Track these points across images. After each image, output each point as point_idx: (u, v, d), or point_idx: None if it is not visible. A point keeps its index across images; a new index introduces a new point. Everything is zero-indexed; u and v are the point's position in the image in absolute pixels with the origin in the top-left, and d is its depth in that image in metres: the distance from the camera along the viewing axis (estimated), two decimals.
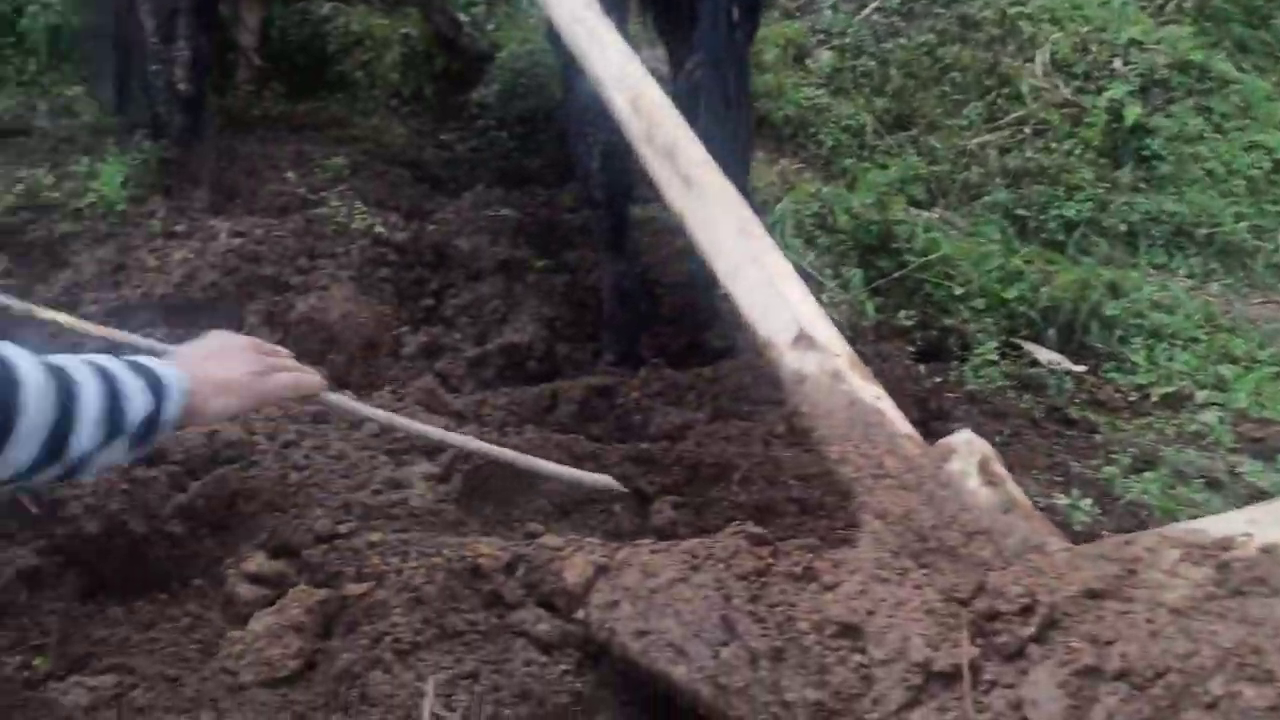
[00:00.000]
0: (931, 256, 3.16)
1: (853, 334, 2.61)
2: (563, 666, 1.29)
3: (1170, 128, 4.26)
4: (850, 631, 1.03)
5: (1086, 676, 0.91)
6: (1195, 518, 1.13)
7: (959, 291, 3.10)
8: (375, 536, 1.46)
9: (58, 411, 0.99)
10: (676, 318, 2.74)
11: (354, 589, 1.35)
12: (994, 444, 2.39)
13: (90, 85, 3.53)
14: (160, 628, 1.36)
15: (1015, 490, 1.15)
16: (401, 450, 1.76)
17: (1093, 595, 0.97)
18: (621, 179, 2.41)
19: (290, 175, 3.10)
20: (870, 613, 1.04)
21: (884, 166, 3.97)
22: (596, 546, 1.44)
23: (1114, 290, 3.25)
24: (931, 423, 2.30)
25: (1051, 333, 3.10)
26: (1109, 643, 0.92)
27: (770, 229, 1.82)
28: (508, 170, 3.65)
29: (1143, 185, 4.11)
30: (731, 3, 2.34)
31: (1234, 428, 2.63)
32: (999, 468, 1.16)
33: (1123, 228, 3.83)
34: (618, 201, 2.44)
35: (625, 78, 1.76)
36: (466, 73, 4.21)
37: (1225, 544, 0.95)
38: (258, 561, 1.43)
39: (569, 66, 2.36)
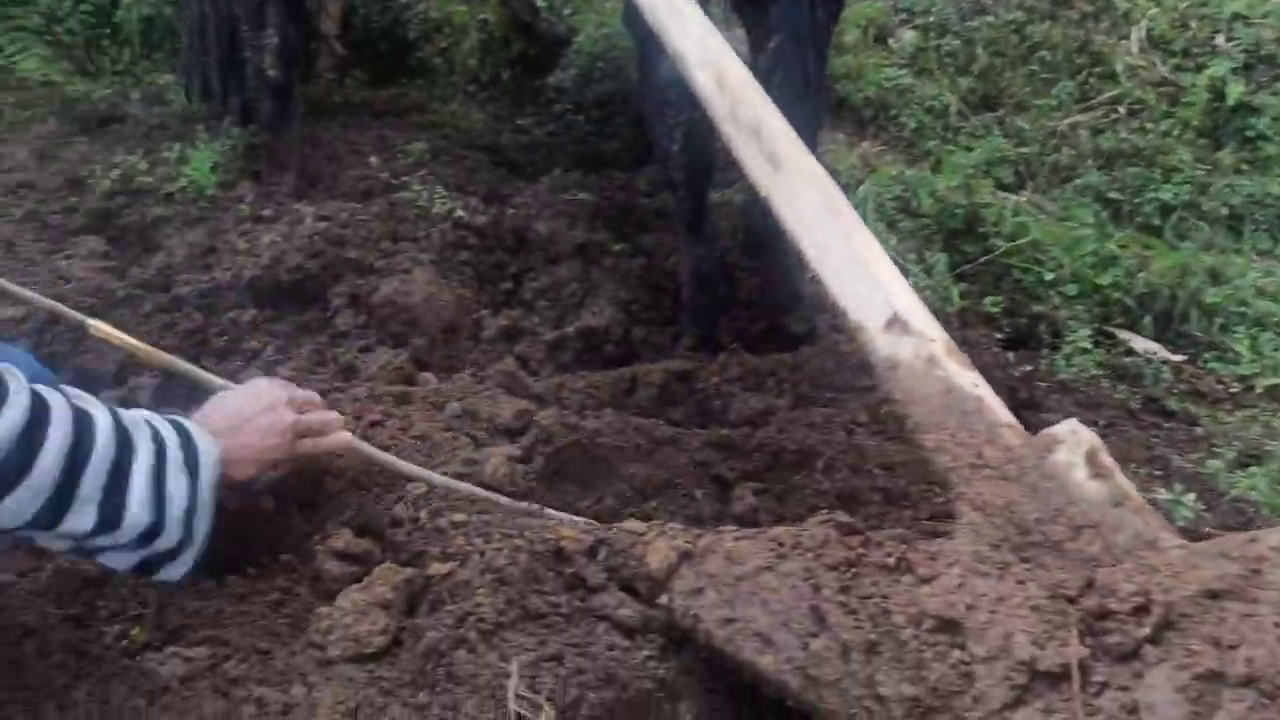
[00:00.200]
0: (1020, 241, 3.06)
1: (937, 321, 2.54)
2: (646, 652, 1.27)
3: (1276, 106, 4.04)
4: (949, 626, 0.99)
5: (1208, 682, 0.86)
6: None
7: (1049, 277, 2.99)
8: (459, 517, 1.46)
9: (114, 477, 1.04)
10: (755, 301, 2.70)
11: (438, 568, 1.36)
12: None
13: (179, 74, 3.63)
14: (251, 601, 1.38)
15: (1125, 483, 1.10)
16: (483, 432, 1.76)
17: (1213, 596, 0.92)
18: (702, 160, 2.38)
19: (373, 160, 3.15)
20: (970, 607, 1.00)
21: (969, 149, 3.86)
22: (679, 532, 1.42)
23: (1215, 276, 3.10)
24: (1022, 412, 2.20)
25: (1148, 320, 2.98)
26: (1232, 646, 0.87)
27: None
28: (584, 154, 3.65)
29: (1245, 167, 3.91)
30: None
31: None
32: (1107, 459, 1.11)
33: (1224, 211, 3.65)
34: (698, 183, 2.41)
35: (708, 54, 1.73)
36: (543, 57, 4.22)
37: None
38: (345, 539, 1.45)
39: (645, 47, 2.34)
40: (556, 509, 1.66)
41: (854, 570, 1.13)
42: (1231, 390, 2.71)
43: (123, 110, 3.55)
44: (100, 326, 1.35)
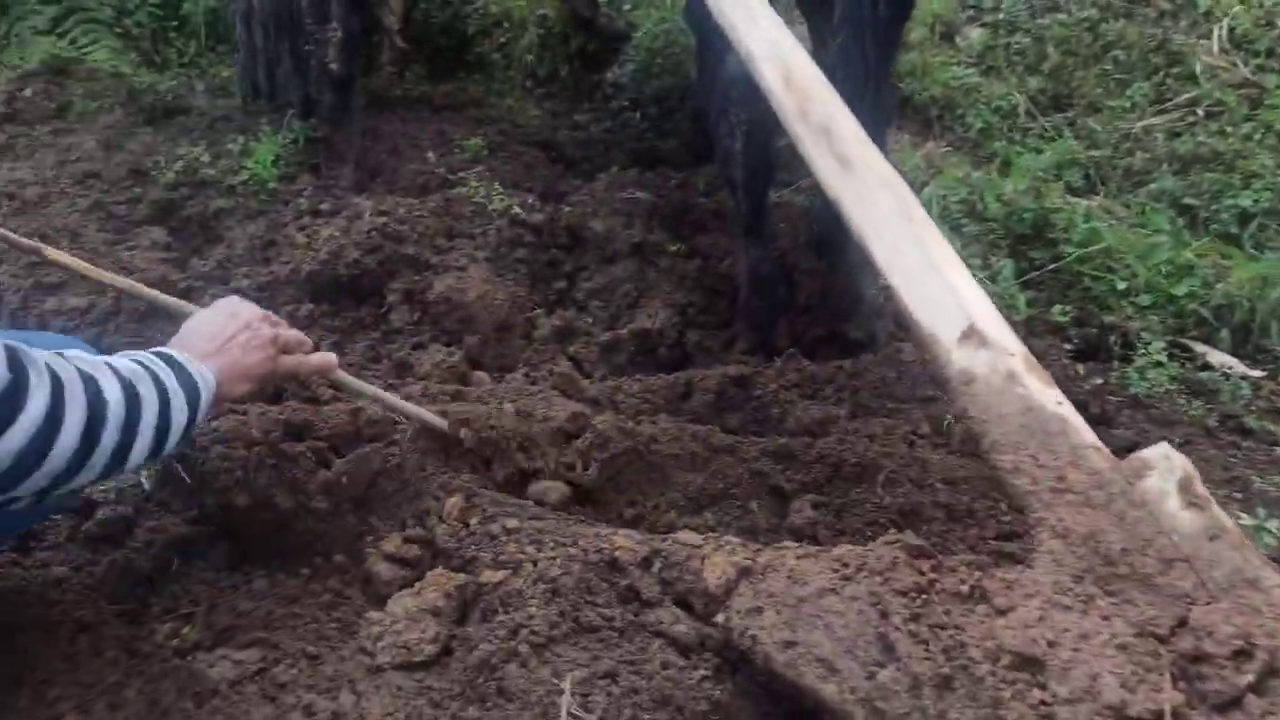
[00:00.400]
0: (1093, 248, 2.95)
1: None
2: (701, 671, 1.23)
3: None
4: (1029, 663, 0.94)
5: None
6: None
7: (1122, 286, 2.88)
8: (511, 523, 1.44)
9: (124, 437, 1.05)
10: (813, 306, 2.63)
11: (491, 576, 1.33)
12: None
13: (237, 69, 3.66)
14: (302, 603, 1.37)
15: (1222, 515, 1.03)
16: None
17: None
18: (763, 160, 2.33)
19: (431, 155, 3.14)
20: (1051, 644, 0.94)
21: (1038, 150, 3.73)
22: (737, 547, 1.38)
23: None
24: (1093, 428, 2.13)
25: (1225, 333, 2.84)
26: None
27: None
28: (640, 151, 3.61)
29: None
30: None
31: None
32: (1202, 488, 1.03)
33: None
34: (758, 183, 2.35)
35: (777, 51, 1.67)
36: (602, 52, 4.18)
37: None
38: (396, 542, 1.43)
39: (708, 43, 2.29)
40: (608, 519, 1.63)
41: (924, 597, 1.07)
42: None
43: (188, 102, 3.59)
44: (55, 253, 1.35)
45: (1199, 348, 2.76)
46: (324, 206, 2.79)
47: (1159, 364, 2.61)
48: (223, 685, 1.16)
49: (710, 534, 1.47)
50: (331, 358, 1.42)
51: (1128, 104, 4.04)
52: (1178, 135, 3.87)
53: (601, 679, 1.17)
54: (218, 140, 3.22)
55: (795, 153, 3.23)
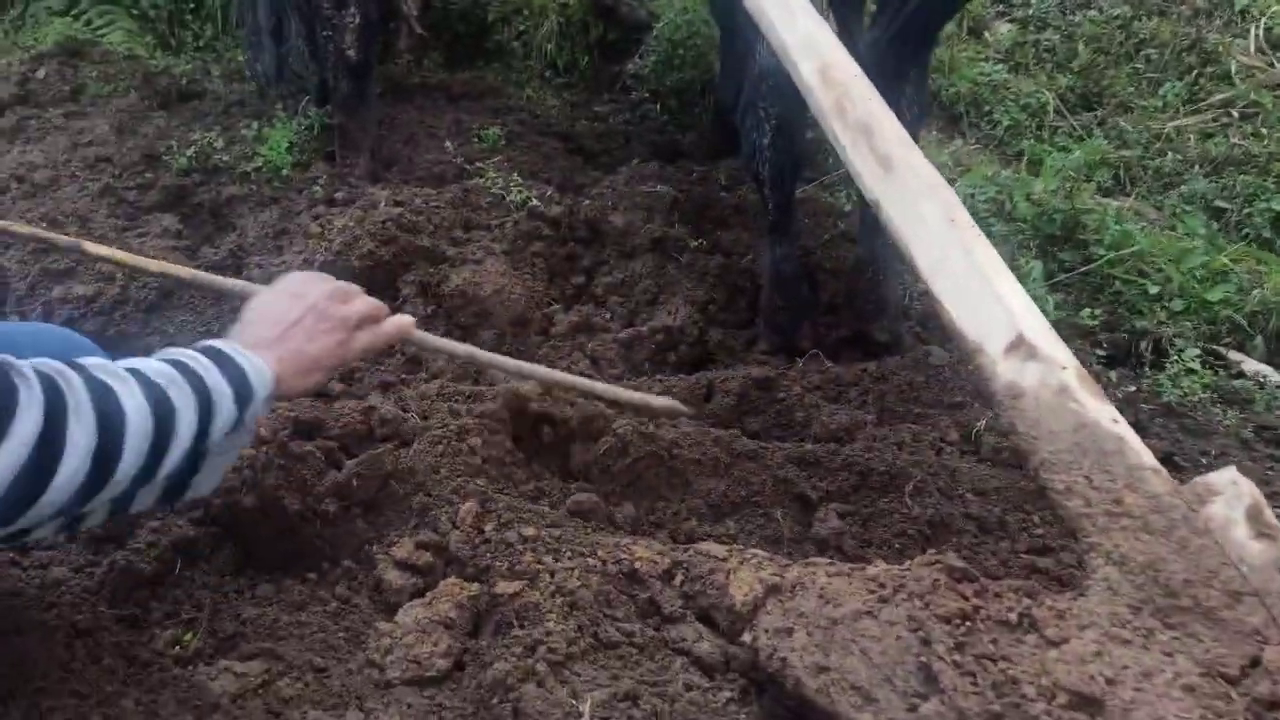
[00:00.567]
0: (1125, 251, 2.87)
1: None
2: (727, 693, 1.17)
3: None
4: (1087, 703, 0.87)
5: None
6: None
7: (1154, 291, 2.80)
8: (528, 531, 1.38)
9: (153, 454, 0.93)
10: (838, 306, 2.57)
11: (506, 587, 1.27)
12: (1199, 467, 2.14)
13: (248, 55, 3.61)
14: (309, 610, 1.31)
15: None
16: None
17: None
18: (791, 156, 2.26)
19: (448, 145, 3.08)
20: (1111, 682, 0.88)
21: (1066, 150, 3.65)
22: (764, 560, 1.32)
23: None
24: None
25: (1259, 341, 2.77)
26: None
27: None
28: (660, 144, 3.54)
29: None
30: None
31: None
32: (1272, 517, 0.97)
33: None
34: (785, 180, 2.28)
35: (814, 45, 1.60)
36: (622, 42, 4.11)
37: None
38: (407, 548, 1.37)
39: (736, 36, 2.23)
40: (625, 525, 1.57)
41: (969, 624, 1.01)
42: None
43: (202, 86, 3.54)
44: (98, 249, 1.27)
45: (1233, 355, 2.68)
46: (338, 195, 2.73)
47: (1192, 371, 2.54)
48: (224, 700, 1.11)
49: (734, 546, 1.41)
50: (407, 320, 1.27)
51: (1159, 104, 3.95)
52: (1210, 136, 3.79)
53: (622, 701, 1.11)
54: (232, 126, 3.17)
55: (820, 148, 3.16)
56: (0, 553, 1.32)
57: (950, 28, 4.19)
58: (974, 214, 2.98)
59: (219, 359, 1.03)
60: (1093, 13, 4.23)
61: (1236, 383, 2.59)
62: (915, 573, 1.11)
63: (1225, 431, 2.36)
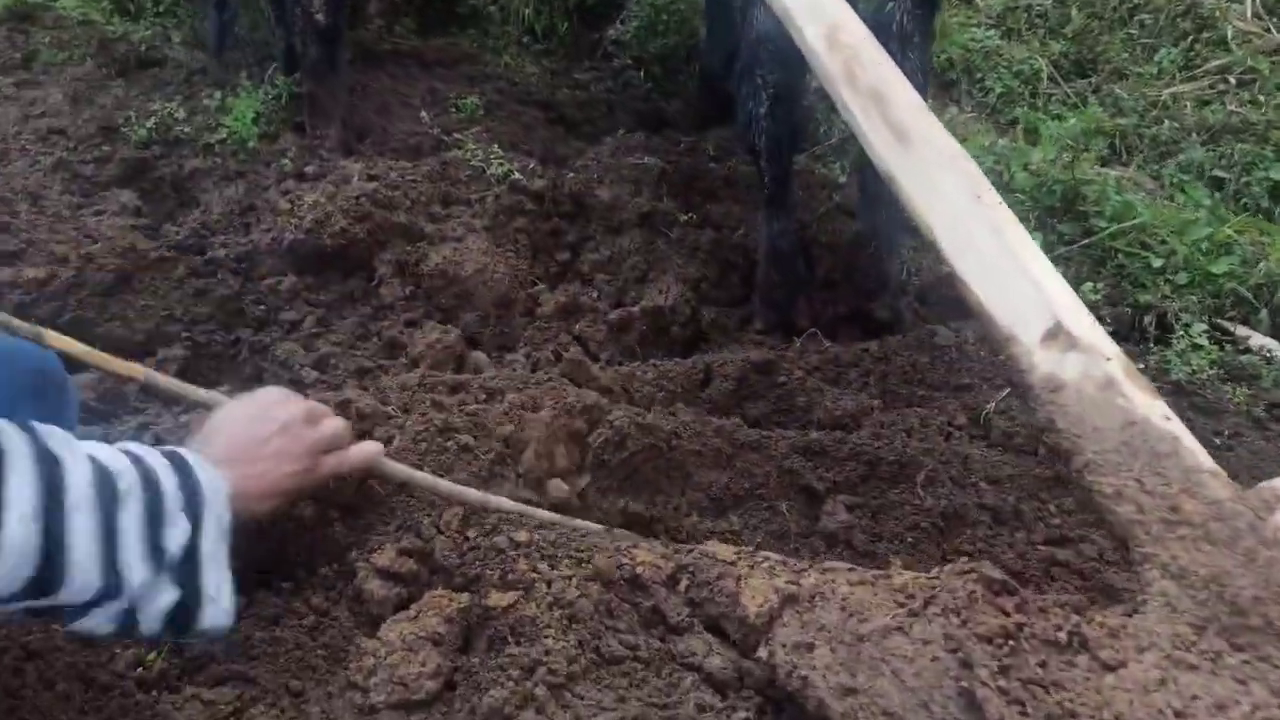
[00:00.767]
0: (1126, 223, 2.78)
1: None
2: (742, 714, 1.08)
3: None
4: None
5: None
6: None
7: (1157, 264, 2.72)
8: (520, 536, 1.27)
9: (103, 531, 0.86)
10: (835, 283, 2.47)
11: (498, 599, 1.17)
12: (1212, 447, 2.07)
13: (195, 23, 3.43)
14: (285, 625, 1.20)
15: None
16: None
17: None
18: (790, 125, 2.14)
19: (423, 115, 2.93)
20: (1180, 715, 0.79)
21: (1060, 118, 3.55)
22: (777, 565, 1.22)
23: None
24: None
25: (1264, 314, 2.70)
26: None
27: None
28: (644, 113, 3.41)
29: None
30: None
31: None
32: None
33: None
34: (784, 151, 2.17)
35: (819, 7, 1.49)
36: (602, 7, 3.96)
37: None
38: (389, 555, 1.26)
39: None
40: (618, 522, 1.47)
41: (1012, 644, 0.92)
42: None
43: (162, 53, 3.35)
44: (59, 338, 1.15)
45: (1240, 330, 2.61)
46: (308, 169, 2.59)
47: (1199, 347, 2.46)
48: None
49: (742, 548, 1.31)
50: (375, 446, 1.25)
51: (1155, 70, 3.86)
52: (1207, 104, 3.70)
53: None
54: (194, 94, 3.00)
55: (817, 117, 3.03)
56: None
57: None
58: None
59: (175, 461, 0.98)
60: None
61: (1243, 358, 2.52)
62: (947, 583, 1.02)
63: (1236, 410, 2.29)
